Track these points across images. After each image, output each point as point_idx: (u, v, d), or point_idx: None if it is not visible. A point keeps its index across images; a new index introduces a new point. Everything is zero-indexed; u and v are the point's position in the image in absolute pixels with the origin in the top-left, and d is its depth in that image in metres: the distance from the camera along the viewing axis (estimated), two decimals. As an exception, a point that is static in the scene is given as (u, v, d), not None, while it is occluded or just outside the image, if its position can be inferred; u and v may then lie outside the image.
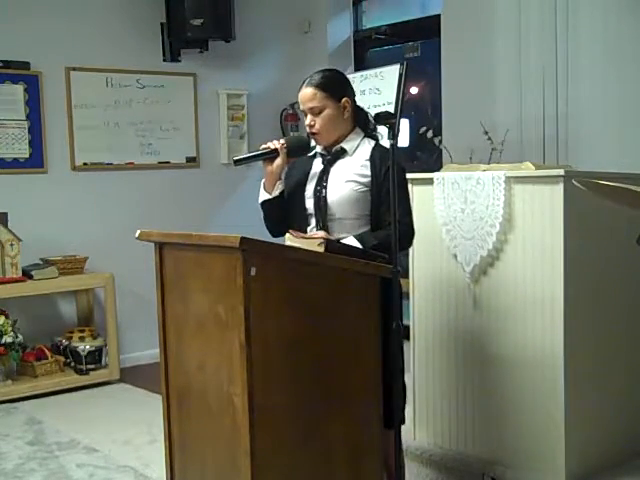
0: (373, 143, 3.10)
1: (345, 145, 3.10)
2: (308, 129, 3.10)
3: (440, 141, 4.62)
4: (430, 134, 4.47)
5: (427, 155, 5.82)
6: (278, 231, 3.12)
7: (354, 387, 2.76)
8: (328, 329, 2.69)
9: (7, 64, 5.58)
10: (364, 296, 2.76)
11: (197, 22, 5.96)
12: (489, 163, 4.01)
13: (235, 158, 3.14)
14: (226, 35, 6.14)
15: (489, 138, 4.26)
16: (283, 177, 3.18)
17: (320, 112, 3.05)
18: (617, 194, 2.40)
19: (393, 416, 2.86)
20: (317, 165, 3.15)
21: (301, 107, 3.11)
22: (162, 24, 6.12)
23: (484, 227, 3.55)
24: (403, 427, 2.97)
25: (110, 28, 5.96)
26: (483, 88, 5.14)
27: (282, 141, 3.12)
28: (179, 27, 6.04)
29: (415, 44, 6.33)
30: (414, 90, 6.53)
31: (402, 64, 5.28)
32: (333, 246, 2.76)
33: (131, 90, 6.11)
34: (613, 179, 2.40)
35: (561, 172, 3.33)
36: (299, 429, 2.64)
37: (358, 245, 2.90)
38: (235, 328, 2.53)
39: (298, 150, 3.16)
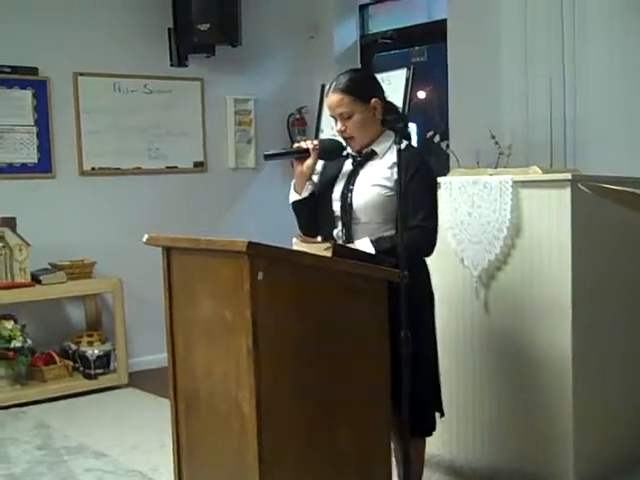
0: (404, 144, 2.96)
1: (375, 147, 3.05)
2: (340, 134, 3.05)
3: (447, 145, 4.62)
4: (437, 138, 4.46)
5: (434, 159, 5.82)
6: (310, 232, 3.05)
7: (361, 393, 2.75)
8: (335, 333, 2.69)
9: (15, 69, 5.60)
10: (372, 301, 2.76)
11: (204, 27, 5.97)
12: (496, 167, 4.02)
13: (266, 153, 3.10)
14: (233, 40, 6.14)
15: (496, 142, 4.26)
16: (315, 178, 3.15)
17: (350, 117, 2.99)
18: (624, 198, 2.40)
19: (419, 424, 2.88)
20: (347, 166, 3.11)
21: (330, 113, 3.05)
22: (169, 29, 6.13)
23: (491, 231, 3.55)
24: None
25: (117, 33, 5.98)
26: (490, 92, 5.13)
27: (315, 142, 3.09)
28: (186, 32, 6.05)
29: (421, 48, 6.34)
30: (421, 94, 6.54)
31: (409, 69, 5.30)
32: (340, 250, 2.76)
33: (138, 95, 6.13)
34: (620, 183, 2.39)
35: (568, 176, 3.33)
36: (307, 434, 2.64)
37: (371, 248, 2.87)
38: (242, 332, 2.53)
39: (330, 153, 3.13)
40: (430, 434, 3.10)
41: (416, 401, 2.81)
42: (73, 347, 5.64)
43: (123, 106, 6.06)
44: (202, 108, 6.42)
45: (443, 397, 3.15)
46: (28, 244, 5.34)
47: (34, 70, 5.68)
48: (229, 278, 2.60)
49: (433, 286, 3.12)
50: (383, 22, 6.62)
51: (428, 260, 3.08)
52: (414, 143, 3.07)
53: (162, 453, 4.14)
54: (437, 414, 3.13)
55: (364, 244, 2.91)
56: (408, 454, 2.82)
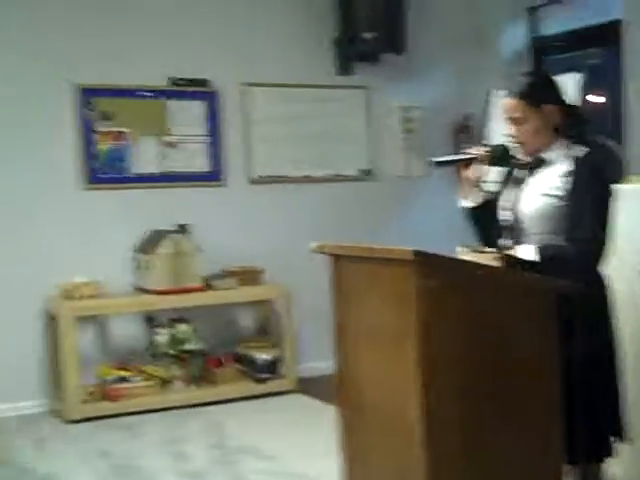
0: (582, 151, 2.86)
1: (547, 155, 2.94)
2: (511, 138, 2.99)
3: (624, 151, 4.42)
4: (612, 144, 4.28)
5: (609, 166, 5.62)
6: (484, 240, 3.02)
7: (527, 406, 2.66)
8: (501, 344, 2.62)
9: (189, 82, 5.85)
10: (540, 313, 2.66)
11: (370, 36, 6.02)
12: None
13: (434, 160, 3.11)
14: (398, 48, 6.15)
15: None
16: (490, 187, 3.10)
17: (523, 122, 2.92)
18: None
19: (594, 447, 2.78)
20: (519, 174, 3.02)
21: (504, 116, 2.98)
22: (335, 38, 6.21)
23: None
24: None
25: (284, 44, 6.12)
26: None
27: (484, 149, 3.05)
28: (352, 41, 6.13)
29: (594, 51, 6.11)
30: (593, 98, 6.31)
31: (581, 72, 5.11)
32: (509, 261, 2.70)
33: (305, 104, 6.24)
34: None
35: None
36: (473, 450, 2.58)
37: (535, 255, 2.78)
38: (410, 342, 2.52)
39: (499, 160, 3.08)
40: (605, 460, 2.93)
41: (592, 422, 2.69)
42: (243, 351, 5.78)
43: (290, 115, 6.19)
44: (368, 116, 6.46)
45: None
46: (201, 250, 5.52)
47: (206, 82, 5.90)
48: (396, 287, 2.60)
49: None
50: (555, 24, 6.42)
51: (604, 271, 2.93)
52: (594, 149, 2.92)
53: (328, 459, 4.15)
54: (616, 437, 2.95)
55: (528, 251, 2.81)
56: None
